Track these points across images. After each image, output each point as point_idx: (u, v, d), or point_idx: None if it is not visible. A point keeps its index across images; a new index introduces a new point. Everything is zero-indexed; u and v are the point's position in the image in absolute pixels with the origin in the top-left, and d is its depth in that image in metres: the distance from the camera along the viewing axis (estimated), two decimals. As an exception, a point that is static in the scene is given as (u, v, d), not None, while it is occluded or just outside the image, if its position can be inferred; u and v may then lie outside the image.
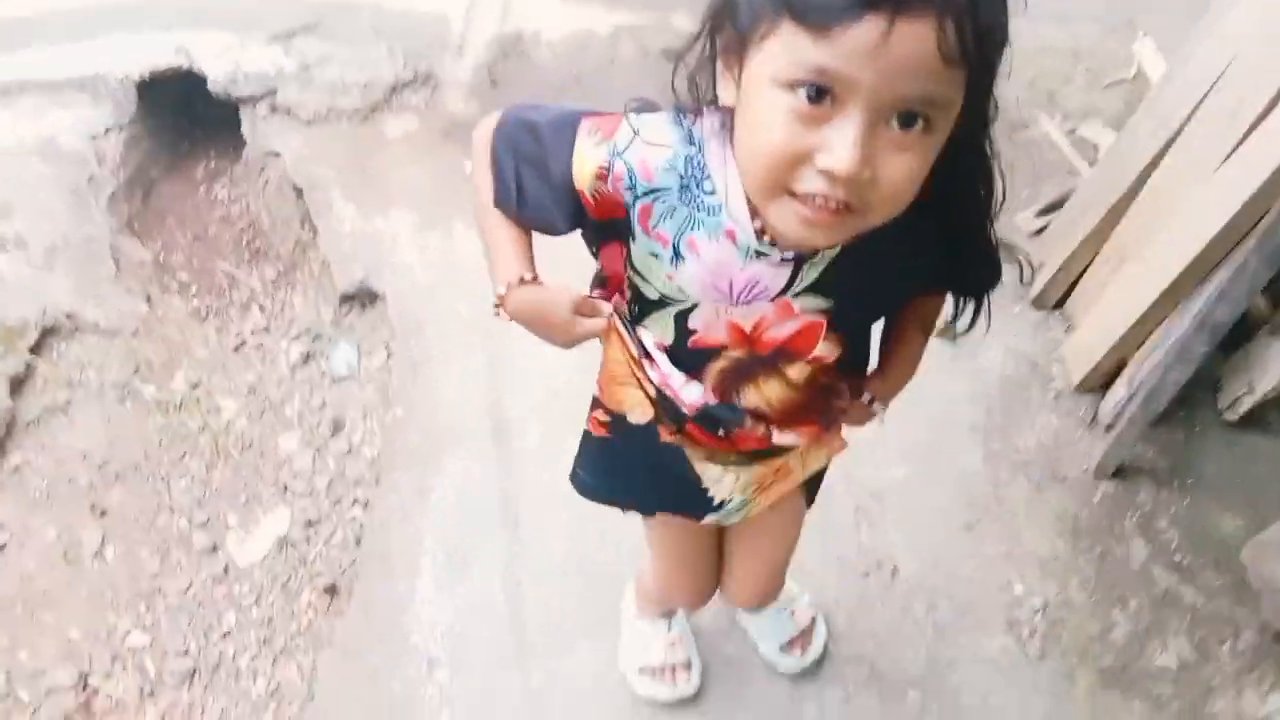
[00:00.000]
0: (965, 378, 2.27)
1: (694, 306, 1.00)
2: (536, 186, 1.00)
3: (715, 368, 1.05)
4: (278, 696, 1.95)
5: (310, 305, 2.70)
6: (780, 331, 1.00)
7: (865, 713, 1.77)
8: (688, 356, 1.05)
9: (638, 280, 1.02)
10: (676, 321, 1.02)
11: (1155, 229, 2.12)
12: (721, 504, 1.22)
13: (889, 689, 1.80)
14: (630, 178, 0.94)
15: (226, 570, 2.15)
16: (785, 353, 1.03)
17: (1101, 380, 2.23)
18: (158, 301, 2.67)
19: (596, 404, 1.21)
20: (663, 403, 1.10)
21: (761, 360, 1.04)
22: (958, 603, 1.92)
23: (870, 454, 2.11)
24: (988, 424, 2.19)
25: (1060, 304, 2.43)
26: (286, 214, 2.88)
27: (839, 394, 1.14)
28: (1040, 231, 2.60)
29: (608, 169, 0.94)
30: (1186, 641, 1.87)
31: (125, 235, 2.81)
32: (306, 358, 2.56)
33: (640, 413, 1.14)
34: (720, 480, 1.19)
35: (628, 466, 1.24)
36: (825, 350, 1.03)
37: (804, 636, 1.81)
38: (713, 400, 1.07)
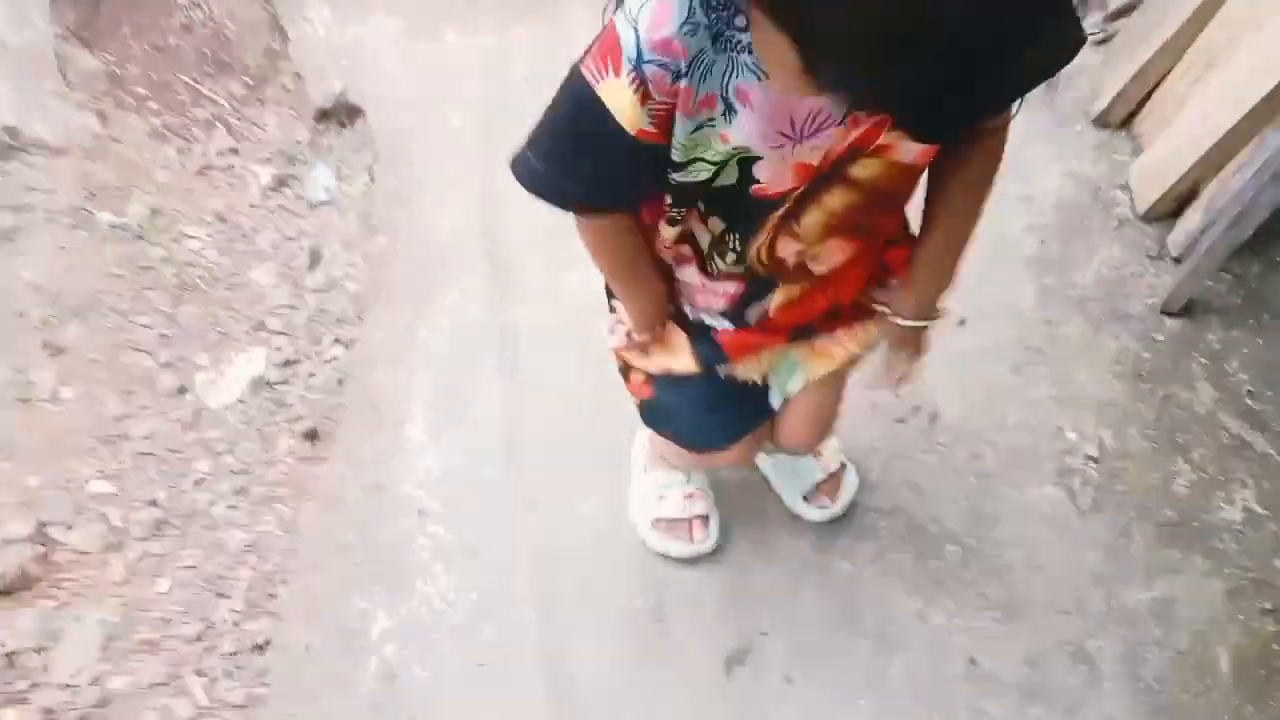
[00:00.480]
0: (1019, 205, 2.01)
1: (758, 158, 0.89)
2: (611, 166, 0.89)
3: (775, 216, 0.96)
4: (256, 549, 1.79)
5: (283, 124, 2.41)
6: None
7: (900, 569, 1.61)
8: (746, 212, 0.96)
9: (683, 174, 0.90)
10: (740, 170, 0.90)
11: (1249, 30, 1.81)
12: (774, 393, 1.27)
13: (926, 543, 1.64)
14: (668, 68, 0.80)
15: (197, 414, 1.96)
16: (852, 153, 0.90)
17: (1172, 207, 1.98)
18: (112, 118, 2.39)
19: (628, 369, 1.28)
20: (699, 340, 1.17)
21: (825, 176, 0.92)
22: (1003, 451, 1.73)
23: (910, 288, 1.89)
24: (1043, 256, 1.96)
25: (1128, 122, 2.14)
26: (254, 20, 2.55)
27: (890, 244, 1.12)
28: (1106, 40, 2.28)
29: (642, 83, 0.80)
30: (1254, 494, 1.69)
31: (73, 43, 2.49)
32: (280, 182, 2.30)
33: (684, 363, 1.19)
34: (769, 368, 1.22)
35: (687, 410, 1.28)
36: (892, 139, 0.89)
37: (831, 483, 1.63)
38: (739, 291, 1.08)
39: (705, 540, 1.59)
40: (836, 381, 1.32)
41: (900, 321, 1.14)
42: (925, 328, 1.16)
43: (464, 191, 2.06)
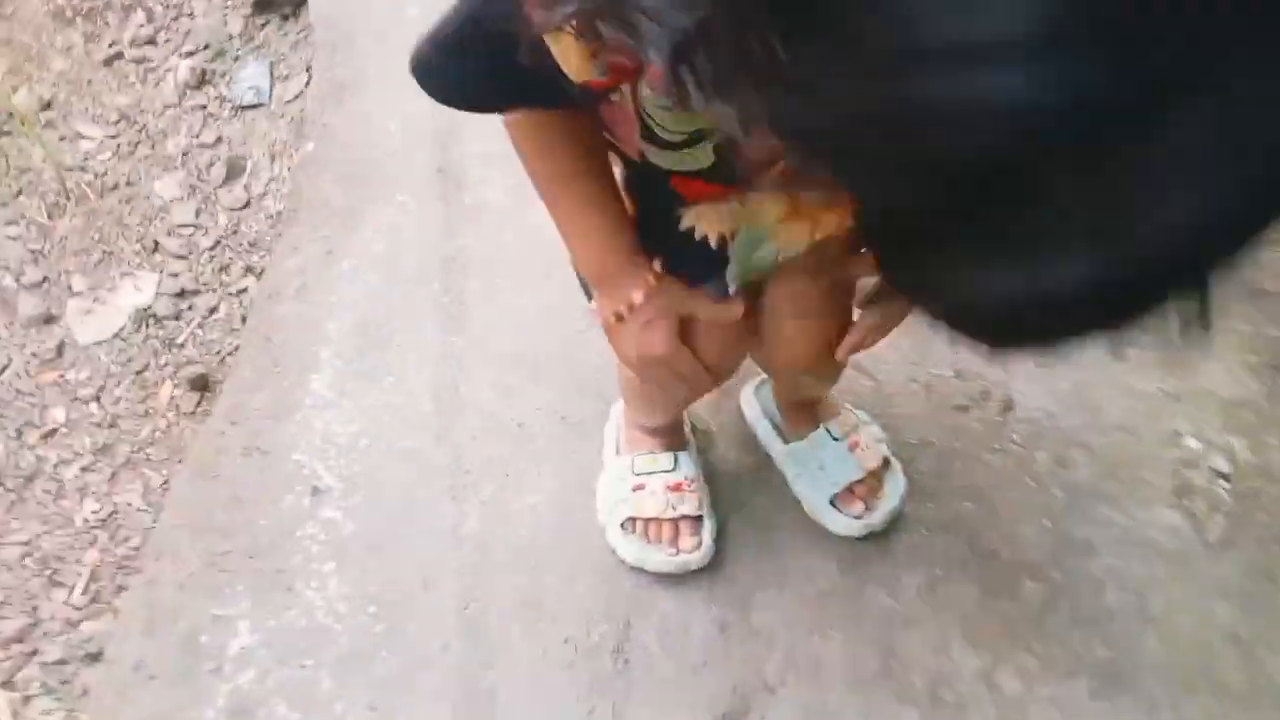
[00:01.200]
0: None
1: None
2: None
3: None
4: (111, 526, 1.37)
5: (215, 13, 1.98)
6: None
7: (960, 608, 1.18)
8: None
9: None
10: None
11: None
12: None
13: (996, 576, 1.20)
14: None
15: (61, 349, 1.54)
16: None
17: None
18: (7, -4, 1.97)
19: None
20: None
21: None
22: (1100, 457, 1.30)
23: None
24: (1150, 211, 1.51)
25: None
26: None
27: None
28: None
29: None
30: None
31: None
32: (201, 79, 1.87)
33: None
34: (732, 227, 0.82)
35: None
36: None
37: (869, 485, 1.20)
38: None
39: (696, 551, 1.16)
40: (835, 291, 0.94)
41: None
42: None
43: (417, 92, 1.62)
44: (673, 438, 1.20)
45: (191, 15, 1.99)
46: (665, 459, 1.18)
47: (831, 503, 1.19)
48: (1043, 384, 1.35)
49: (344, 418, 1.31)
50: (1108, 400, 1.34)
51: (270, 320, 1.41)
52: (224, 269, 1.64)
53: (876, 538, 1.22)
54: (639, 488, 1.17)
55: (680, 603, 1.17)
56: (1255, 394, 1.35)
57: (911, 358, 1.37)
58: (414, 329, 1.38)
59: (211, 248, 1.66)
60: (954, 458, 1.30)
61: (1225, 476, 1.28)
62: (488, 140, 1.55)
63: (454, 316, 1.38)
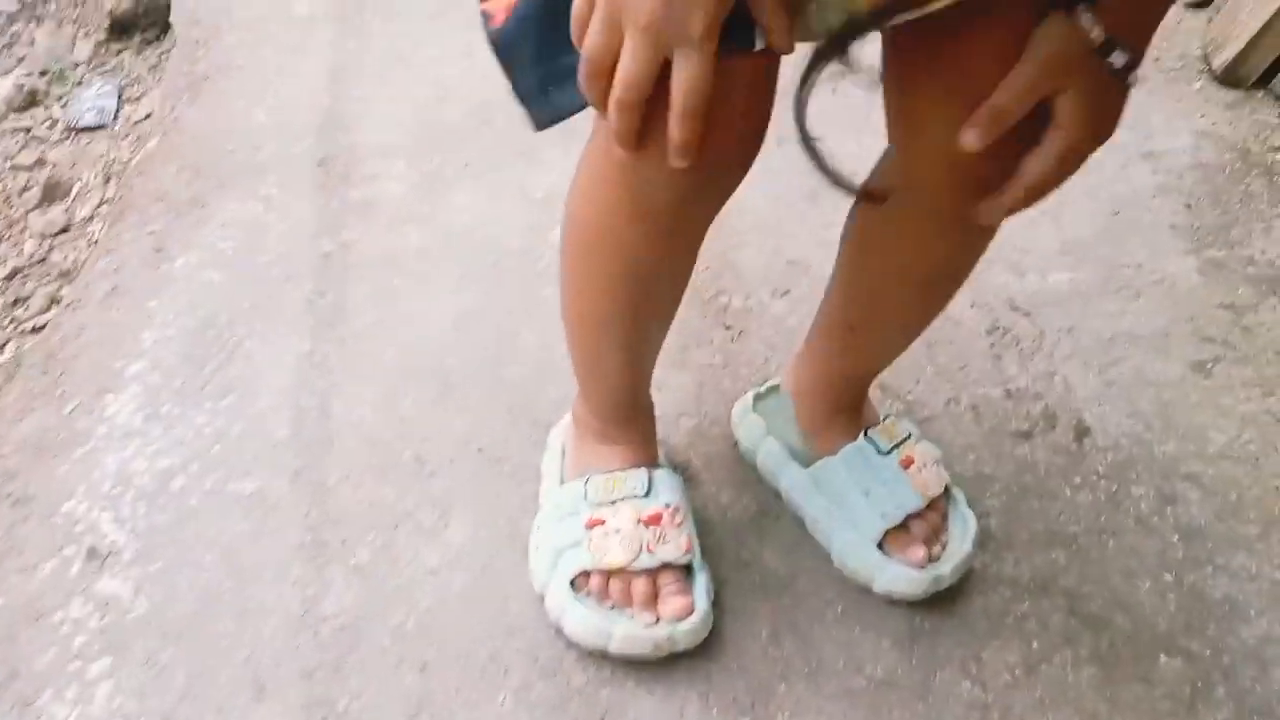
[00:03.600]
0: (1145, 167, 1.34)
1: None
2: None
3: None
4: None
5: (61, 38, 1.66)
6: None
7: (1072, 694, 0.79)
8: None
9: None
10: None
11: None
12: None
13: (1118, 650, 0.82)
14: None
15: None
16: None
17: (1369, 172, 1.32)
18: None
19: None
20: None
21: None
22: (1216, 492, 0.96)
23: (1005, 250, 1.17)
24: (1194, 223, 1.26)
25: (1266, 80, 1.53)
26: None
27: None
28: (1205, 3, 1.71)
29: None
30: None
31: None
32: (31, 99, 1.51)
33: None
34: None
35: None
36: None
37: (930, 521, 0.83)
38: None
39: (686, 618, 0.75)
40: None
41: (1095, 32, 0.49)
42: (1127, 83, 0.51)
43: (301, 81, 1.30)
44: (643, 450, 0.82)
45: (32, 42, 1.66)
46: (635, 479, 0.79)
47: (880, 547, 0.81)
48: (1119, 404, 1.03)
49: (151, 451, 0.89)
50: (1204, 423, 1.02)
51: (60, 332, 1.00)
52: (20, 302, 1.22)
53: (941, 601, 0.83)
54: (596, 523, 0.77)
55: (664, 705, 0.75)
56: (1382, 413, 1.05)
57: (948, 373, 1.03)
58: (271, 336, 0.98)
59: (8, 277, 1.25)
60: (1027, 496, 0.94)
61: (1381, 511, 0.95)
62: (387, 130, 1.23)
63: (329, 322, 1.00)
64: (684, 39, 0.46)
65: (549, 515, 0.81)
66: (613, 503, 0.77)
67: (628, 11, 0.46)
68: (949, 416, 1.00)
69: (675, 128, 0.50)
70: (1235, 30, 1.55)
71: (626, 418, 0.80)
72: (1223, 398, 1.05)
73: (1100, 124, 0.53)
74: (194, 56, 1.36)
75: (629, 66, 0.48)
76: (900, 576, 0.80)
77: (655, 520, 0.77)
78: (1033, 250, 1.19)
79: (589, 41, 0.49)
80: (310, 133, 1.22)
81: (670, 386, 0.99)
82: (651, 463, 0.81)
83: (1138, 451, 0.98)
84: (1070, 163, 0.54)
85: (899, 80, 0.59)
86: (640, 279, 0.66)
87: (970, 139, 0.52)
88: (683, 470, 0.92)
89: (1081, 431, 1.00)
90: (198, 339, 0.97)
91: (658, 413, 0.96)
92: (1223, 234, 1.26)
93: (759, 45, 0.50)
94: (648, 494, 0.78)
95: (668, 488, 0.79)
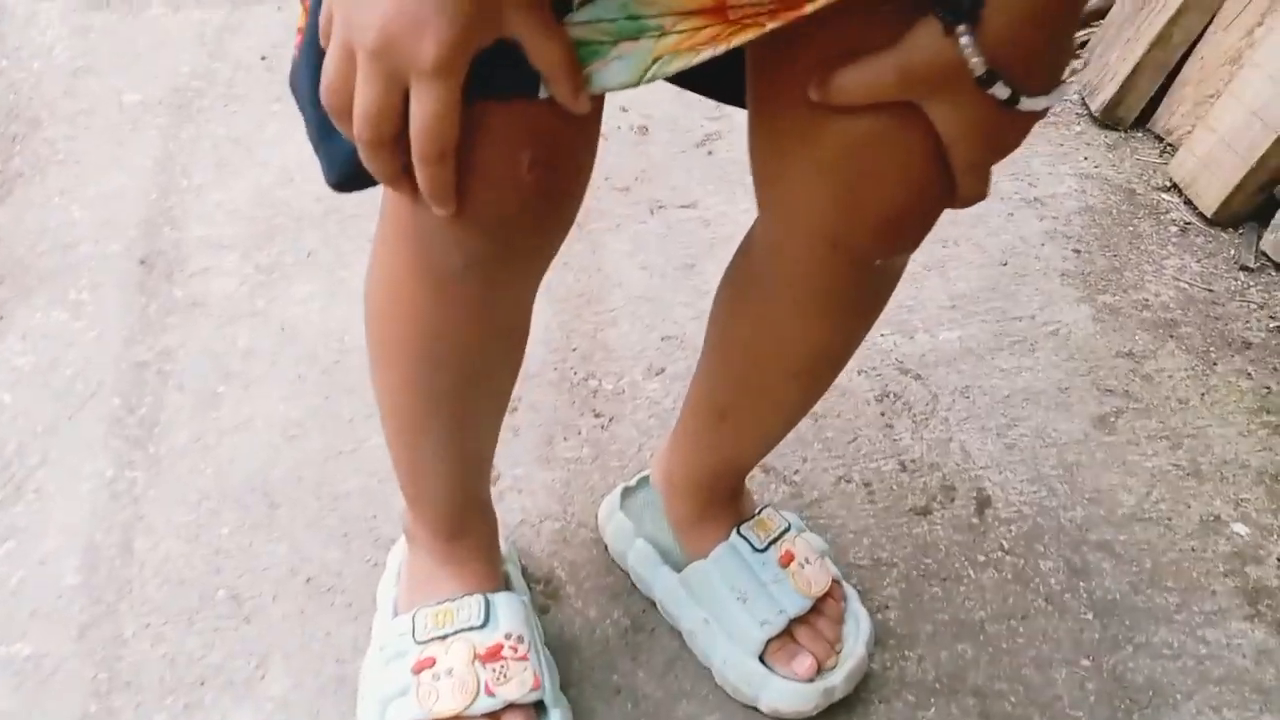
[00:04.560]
0: (1030, 215, 1.30)
1: None
2: None
3: None
4: None
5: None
6: None
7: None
8: None
9: None
10: None
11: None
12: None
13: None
14: None
15: None
16: None
17: (1254, 207, 1.30)
18: None
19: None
20: None
21: None
22: (1128, 560, 0.88)
23: (891, 309, 1.09)
24: (1085, 269, 1.21)
25: (1144, 120, 1.51)
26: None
27: None
28: (1081, 46, 1.71)
29: None
30: None
31: None
32: None
33: None
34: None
35: None
36: None
37: (817, 625, 0.73)
38: None
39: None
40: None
41: (974, 62, 0.40)
42: (1017, 110, 0.42)
43: (126, 174, 1.19)
44: (483, 570, 0.71)
45: None
46: (469, 608, 0.68)
47: (762, 659, 0.71)
48: (1021, 469, 0.95)
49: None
50: (1112, 484, 0.95)
51: None
52: None
53: (838, 715, 0.73)
54: (425, 665, 0.66)
55: None
56: (1292, 459, 0.99)
57: (838, 447, 0.95)
58: (67, 463, 0.86)
59: None
60: (928, 581, 0.85)
61: (1302, 567, 0.88)
62: (221, 221, 1.12)
63: (138, 441, 0.88)
64: (416, 68, 0.37)
65: (375, 658, 0.69)
66: (444, 638, 0.66)
67: (355, 33, 0.38)
68: (840, 496, 0.91)
69: (416, 171, 0.41)
70: (1109, 71, 1.55)
71: (456, 530, 0.69)
72: (1129, 454, 0.98)
73: (989, 141, 0.45)
74: (8, 152, 1.24)
75: (360, 98, 0.39)
76: (786, 692, 0.70)
77: (495, 655, 0.66)
78: (920, 308, 1.13)
79: (325, 68, 0.40)
80: (133, 228, 1.11)
81: (533, 487, 0.89)
82: (492, 586, 0.71)
83: (1044, 521, 0.91)
84: (967, 179, 0.46)
85: (768, 144, 0.51)
86: (446, 363, 0.57)
87: (811, 94, 0.44)
88: (545, 584, 0.81)
89: (983, 502, 0.92)
90: (-20, 468, 0.84)
91: (518, 518, 0.86)
92: (1115, 278, 1.21)
93: (543, 94, 0.41)
94: (485, 624, 0.67)
95: (509, 614, 0.68)
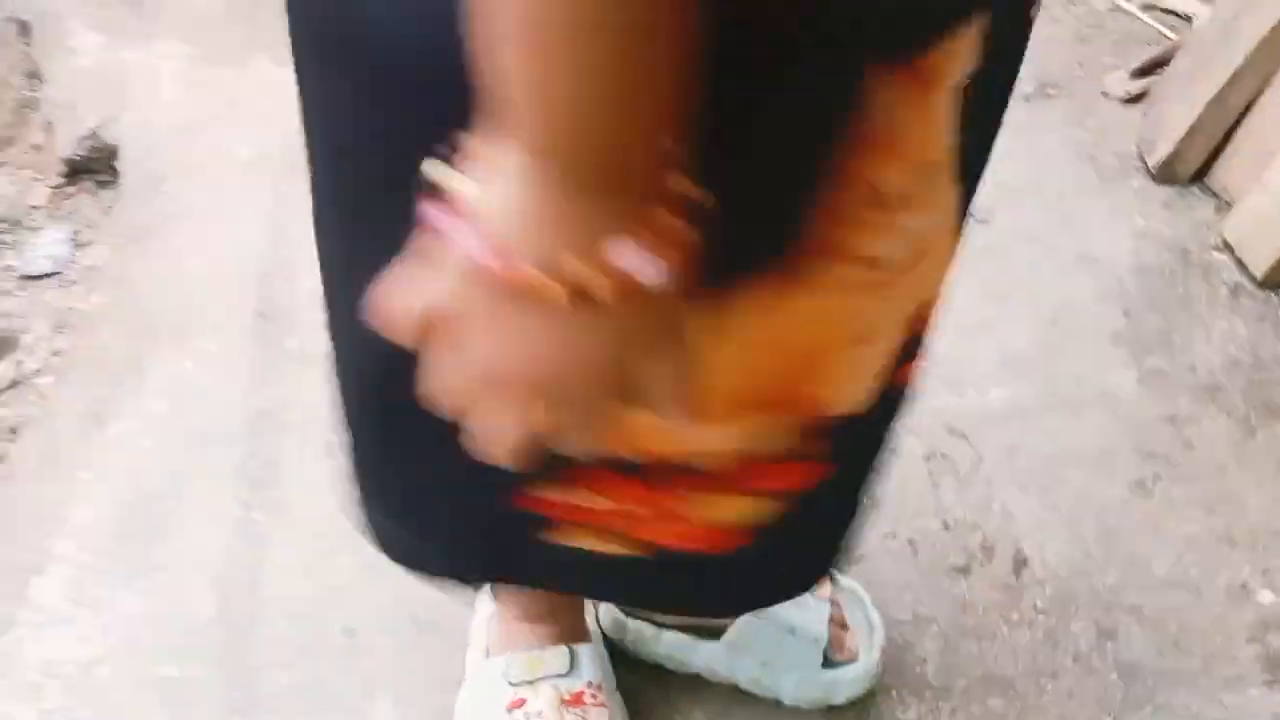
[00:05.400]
0: (1080, 269, 1.36)
1: None
2: None
3: None
4: None
5: (19, 185, 1.68)
6: None
7: None
8: None
9: None
10: None
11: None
12: None
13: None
14: None
15: None
16: None
17: (1303, 270, 1.34)
18: None
19: None
20: None
21: None
22: (1157, 624, 0.95)
23: (944, 365, 1.17)
24: (1134, 332, 1.27)
25: (1201, 175, 1.55)
26: (4, 65, 1.89)
27: None
28: (1140, 96, 1.75)
29: None
30: None
31: None
32: (-14, 248, 1.53)
33: None
34: None
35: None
36: None
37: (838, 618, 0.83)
38: None
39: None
40: None
41: None
42: None
43: (242, 227, 1.32)
44: (568, 624, 0.81)
45: (-12, 187, 1.69)
46: (556, 657, 0.78)
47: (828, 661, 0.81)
48: (1059, 530, 1.02)
49: (78, 637, 0.88)
50: (1146, 549, 1.02)
51: (11, 505, 1.00)
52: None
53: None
54: (517, 704, 0.76)
55: None
56: (1325, 529, 1.04)
57: (884, 505, 1.03)
58: (201, 506, 0.98)
59: (-46, 435, 1.25)
60: (964, 637, 0.93)
61: (1326, 637, 0.94)
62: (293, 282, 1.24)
63: (259, 484, 1.00)
64: None
65: (471, 695, 0.80)
66: (533, 682, 0.77)
67: None
68: (887, 553, 0.99)
69: None
70: (1168, 126, 1.59)
71: (543, 593, 0.79)
72: (1165, 519, 1.05)
73: None
74: (140, 203, 1.38)
75: None
76: (857, 676, 0.81)
77: (578, 700, 0.76)
78: (971, 365, 1.20)
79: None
80: (250, 281, 1.24)
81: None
82: (575, 637, 0.81)
83: (1077, 583, 0.98)
84: None
85: None
86: None
87: None
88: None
89: (1020, 563, 0.99)
90: (128, 513, 0.97)
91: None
92: (1163, 341, 1.26)
93: None
94: (569, 671, 0.77)
95: (590, 663, 0.78)
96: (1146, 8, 2.12)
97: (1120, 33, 1.98)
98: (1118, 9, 2.09)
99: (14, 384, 1.33)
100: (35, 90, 1.81)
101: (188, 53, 1.70)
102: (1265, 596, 0.98)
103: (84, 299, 1.43)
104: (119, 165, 1.56)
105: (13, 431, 1.25)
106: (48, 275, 1.50)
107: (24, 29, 1.86)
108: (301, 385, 1.11)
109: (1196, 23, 2.00)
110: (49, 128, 1.73)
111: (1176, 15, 2.09)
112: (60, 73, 1.74)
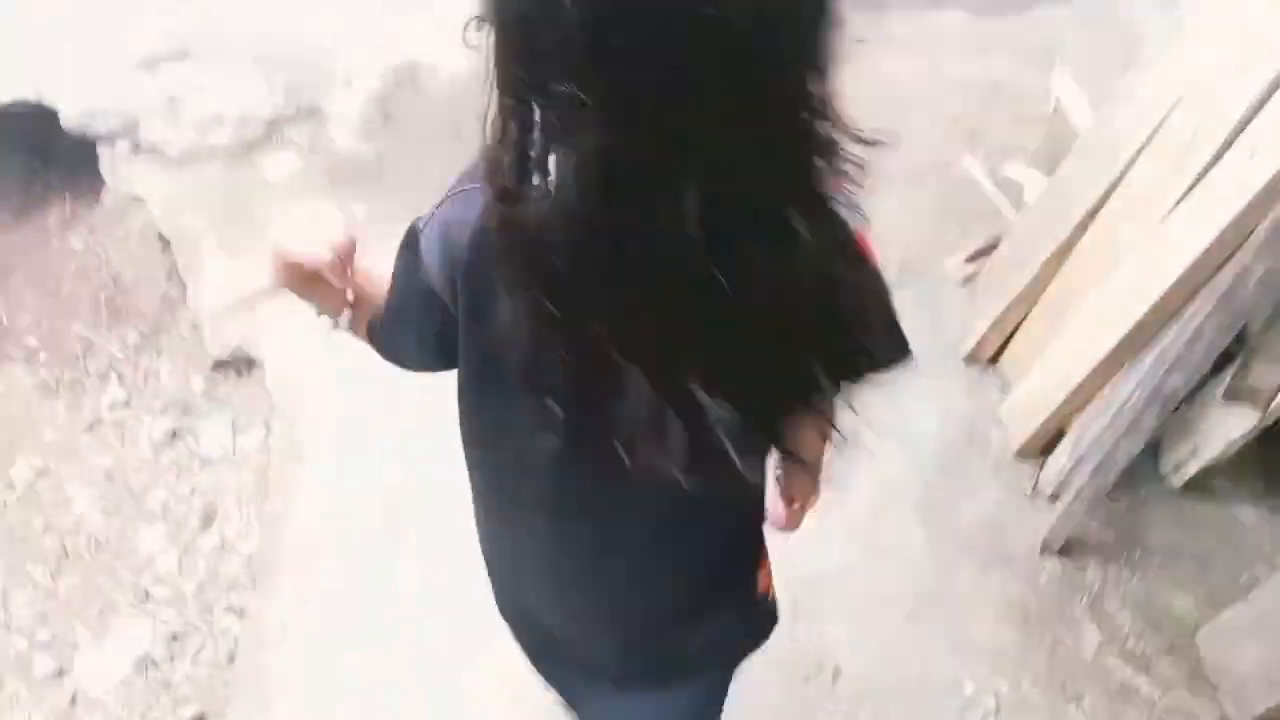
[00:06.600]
0: (901, 445, 2.11)
1: None
2: None
3: None
4: None
5: (178, 373, 2.40)
6: None
7: None
8: None
9: None
10: None
11: (1095, 283, 1.99)
12: None
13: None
14: None
15: (74, 700, 1.85)
16: None
17: (1042, 446, 2.10)
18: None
19: None
20: None
21: None
22: (907, 707, 1.75)
23: (805, 537, 1.94)
24: (928, 498, 2.04)
25: (994, 360, 2.29)
26: (151, 267, 2.57)
27: None
28: (970, 279, 2.47)
29: None
30: (1146, 739, 1.74)
31: (-37, 297, 2.47)
32: (173, 436, 2.26)
33: None
34: None
35: None
36: None
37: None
38: None
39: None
40: None
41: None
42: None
43: (364, 450, 2.06)
44: None
45: (158, 377, 2.40)
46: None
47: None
48: (862, 651, 1.82)
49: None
50: (909, 659, 1.81)
51: (260, 664, 1.78)
52: (208, 610, 1.99)
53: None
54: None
55: None
56: (1011, 643, 1.84)
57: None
58: (376, 665, 1.76)
59: (195, 592, 2.01)
60: (800, 722, 1.73)
61: (994, 713, 1.75)
62: (441, 496, 1.99)
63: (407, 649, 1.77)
64: None
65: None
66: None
67: None
68: (758, 668, 1.78)
69: None
70: (979, 315, 2.29)
71: None
72: (925, 639, 1.84)
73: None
74: (291, 425, 2.11)
75: None
76: None
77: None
78: (818, 529, 1.97)
79: None
80: (378, 492, 1.98)
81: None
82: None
83: (867, 684, 1.78)
84: None
85: None
86: None
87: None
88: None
89: (837, 673, 1.79)
90: (331, 670, 1.75)
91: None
92: (945, 505, 2.03)
93: None
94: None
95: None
96: (993, 173, 2.79)
97: (967, 206, 2.66)
98: (968, 177, 2.77)
99: (222, 548, 2.09)
100: (179, 291, 2.50)
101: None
102: (970, 687, 1.78)
103: (254, 479, 2.17)
104: (262, 374, 2.28)
105: (239, 593, 2.01)
106: (220, 458, 2.24)
107: (165, 241, 2.53)
108: (431, 571, 1.87)
109: (1027, 193, 2.67)
110: (195, 326, 2.43)
111: (1015, 184, 2.76)
112: (199, 288, 2.42)
